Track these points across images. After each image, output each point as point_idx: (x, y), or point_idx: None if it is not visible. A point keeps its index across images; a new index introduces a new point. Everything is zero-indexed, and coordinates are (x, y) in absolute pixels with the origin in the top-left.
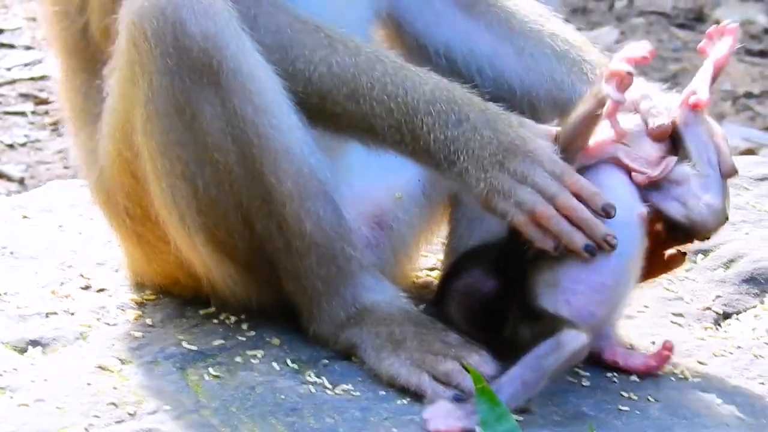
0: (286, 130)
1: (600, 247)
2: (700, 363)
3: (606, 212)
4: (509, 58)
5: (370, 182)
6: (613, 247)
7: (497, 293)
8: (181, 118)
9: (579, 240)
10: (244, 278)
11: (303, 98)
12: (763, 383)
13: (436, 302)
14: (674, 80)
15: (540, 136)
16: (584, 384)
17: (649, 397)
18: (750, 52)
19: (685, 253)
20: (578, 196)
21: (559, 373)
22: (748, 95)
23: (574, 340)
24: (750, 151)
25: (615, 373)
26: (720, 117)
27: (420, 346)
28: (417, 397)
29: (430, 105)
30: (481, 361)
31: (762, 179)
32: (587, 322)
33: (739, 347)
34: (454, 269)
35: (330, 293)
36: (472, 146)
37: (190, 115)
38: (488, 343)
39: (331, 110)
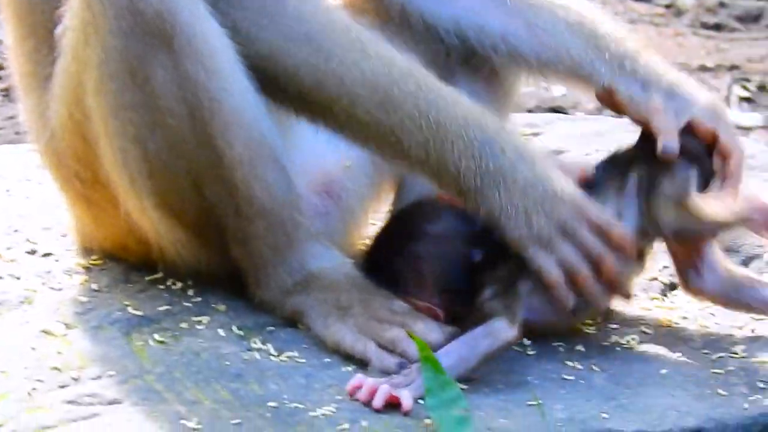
0: (237, 95)
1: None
2: (646, 333)
3: (640, 258)
4: (521, 32)
5: (320, 151)
6: (629, 299)
7: (479, 263)
8: (133, 81)
9: (604, 303)
10: (193, 243)
11: (331, 100)
12: (708, 353)
13: (373, 261)
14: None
15: (572, 181)
16: (529, 353)
17: (594, 366)
18: (705, 26)
19: None
20: (617, 246)
21: (491, 359)
22: (702, 68)
23: (505, 333)
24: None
25: (561, 342)
26: None
27: (366, 313)
28: (362, 364)
29: (462, 129)
30: (427, 329)
31: None
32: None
33: (685, 317)
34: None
35: (277, 259)
36: (512, 186)
37: (142, 78)
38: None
39: (360, 117)
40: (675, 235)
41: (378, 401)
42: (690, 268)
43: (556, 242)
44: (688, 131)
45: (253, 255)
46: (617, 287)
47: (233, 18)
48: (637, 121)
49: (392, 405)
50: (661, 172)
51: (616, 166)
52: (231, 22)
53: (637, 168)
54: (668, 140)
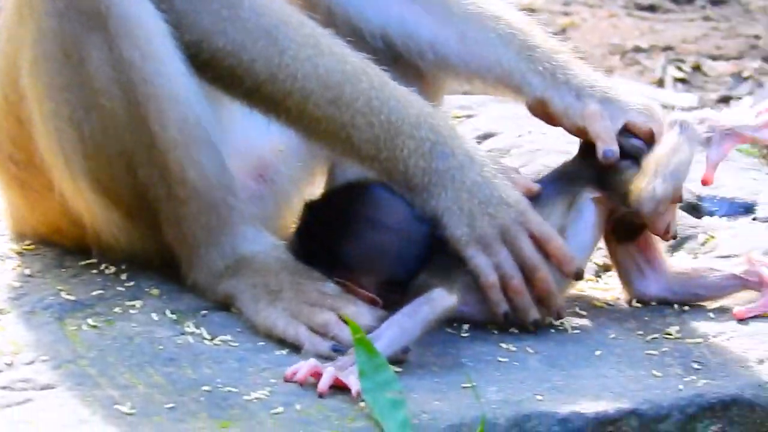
0: (172, 77)
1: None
2: (580, 314)
3: (578, 277)
4: (451, 42)
5: (254, 135)
6: (561, 318)
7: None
8: (68, 62)
9: (533, 315)
10: (128, 226)
11: (284, 93)
12: (641, 334)
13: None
14: (563, 34)
15: (520, 193)
16: (463, 335)
17: (528, 348)
18: (639, 6)
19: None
20: (555, 259)
21: (432, 326)
22: (637, 49)
23: (444, 299)
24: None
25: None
26: (609, 71)
27: (296, 296)
28: (295, 348)
29: (414, 129)
30: (359, 311)
31: None
32: None
33: (618, 299)
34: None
35: (209, 243)
36: (459, 187)
37: (77, 59)
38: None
39: (312, 113)
40: (654, 212)
41: (323, 385)
42: (635, 272)
43: (495, 246)
44: (626, 133)
45: (186, 237)
46: (547, 301)
47: (188, 11)
48: (573, 131)
49: (338, 388)
50: (609, 175)
51: (564, 183)
52: (190, 16)
53: (586, 184)
54: (608, 145)
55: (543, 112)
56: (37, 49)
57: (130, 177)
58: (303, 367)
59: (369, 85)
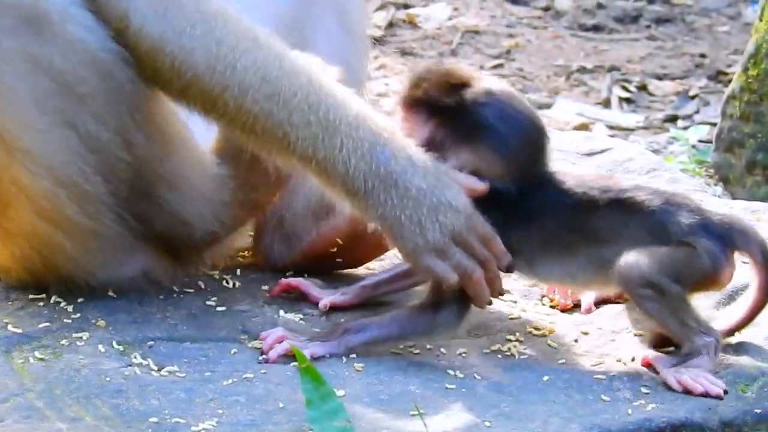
0: None
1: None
2: (527, 340)
3: (509, 270)
4: None
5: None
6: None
7: None
8: None
9: (485, 298)
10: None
11: (223, 87)
12: (590, 358)
13: None
14: (508, 56)
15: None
16: (411, 361)
17: (476, 375)
18: (583, 27)
19: None
20: (494, 256)
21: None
22: (582, 70)
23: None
24: (583, 126)
25: (442, 350)
26: (554, 92)
27: None
28: (243, 379)
29: (352, 129)
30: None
31: (590, 154)
32: None
33: (565, 323)
34: None
35: None
36: (404, 194)
37: None
38: None
39: (249, 109)
40: None
41: (273, 353)
42: None
43: (449, 250)
44: None
45: None
46: (496, 286)
47: (126, 5)
48: None
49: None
50: None
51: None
52: (123, 9)
53: None
54: None
55: None
56: None
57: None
58: (270, 337)
59: (307, 80)
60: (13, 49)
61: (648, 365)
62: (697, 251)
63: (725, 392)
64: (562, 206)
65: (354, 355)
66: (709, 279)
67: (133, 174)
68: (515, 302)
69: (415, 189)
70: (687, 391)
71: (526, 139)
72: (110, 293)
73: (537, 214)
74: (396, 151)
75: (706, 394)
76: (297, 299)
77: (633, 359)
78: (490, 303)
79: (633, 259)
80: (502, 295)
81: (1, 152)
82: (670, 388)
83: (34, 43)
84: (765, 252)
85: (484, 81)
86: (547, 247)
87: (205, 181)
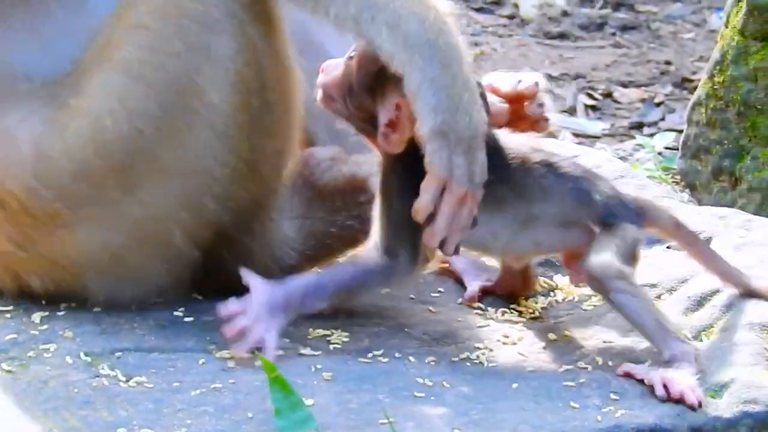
0: None
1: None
2: (496, 347)
3: (474, 225)
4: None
5: None
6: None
7: None
8: None
9: (440, 237)
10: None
11: None
12: (559, 365)
13: None
14: (474, 64)
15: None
16: (380, 370)
17: (445, 383)
18: (548, 35)
19: None
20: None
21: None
22: (548, 78)
23: None
24: (549, 134)
25: (411, 358)
26: None
27: None
28: (212, 389)
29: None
30: None
31: None
32: None
33: (534, 330)
34: None
35: None
36: (440, 63)
37: None
38: None
39: None
40: None
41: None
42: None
43: (459, 148)
44: None
45: None
46: (459, 228)
47: None
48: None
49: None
50: None
51: None
52: None
53: None
54: None
55: None
56: None
57: None
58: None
59: None
60: None
61: (627, 375)
62: (625, 231)
63: (699, 405)
64: (500, 160)
65: (320, 366)
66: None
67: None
68: (484, 310)
69: (453, 72)
70: (666, 395)
71: None
72: (73, 304)
73: None
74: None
75: (681, 400)
76: None
77: (601, 365)
78: (447, 252)
79: (601, 253)
80: (457, 252)
81: None
82: (642, 394)
83: None
84: (675, 219)
85: None
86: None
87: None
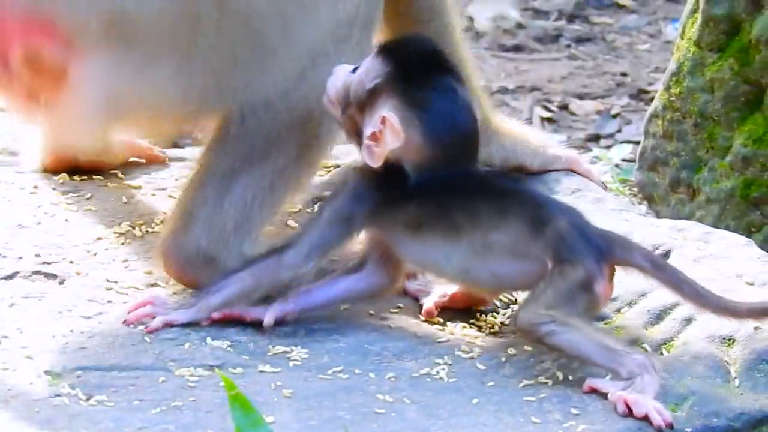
0: None
1: None
2: (456, 362)
3: None
4: None
5: None
6: None
7: None
8: None
9: None
10: None
11: None
12: (519, 380)
13: None
14: None
15: None
16: (340, 386)
17: (405, 399)
18: (503, 47)
19: None
20: None
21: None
22: (503, 90)
23: None
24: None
25: (371, 375)
26: None
27: None
28: (172, 407)
29: None
30: None
31: None
32: None
33: (494, 345)
34: None
35: None
36: None
37: None
38: None
39: None
40: None
41: (132, 316)
42: None
43: None
44: None
45: None
46: None
47: None
48: None
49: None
50: None
51: None
52: None
53: None
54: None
55: None
56: None
57: None
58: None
59: None
60: None
61: (592, 390)
62: (575, 268)
63: (670, 426)
64: (458, 185)
65: (280, 383)
66: (590, 297)
67: None
68: (443, 325)
69: None
70: (629, 414)
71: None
72: (37, 324)
73: (436, 191)
74: None
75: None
76: (224, 326)
77: (562, 380)
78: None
79: (529, 304)
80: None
81: None
82: (603, 408)
83: None
84: (649, 255)
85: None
86: (437, 223)
87: None
